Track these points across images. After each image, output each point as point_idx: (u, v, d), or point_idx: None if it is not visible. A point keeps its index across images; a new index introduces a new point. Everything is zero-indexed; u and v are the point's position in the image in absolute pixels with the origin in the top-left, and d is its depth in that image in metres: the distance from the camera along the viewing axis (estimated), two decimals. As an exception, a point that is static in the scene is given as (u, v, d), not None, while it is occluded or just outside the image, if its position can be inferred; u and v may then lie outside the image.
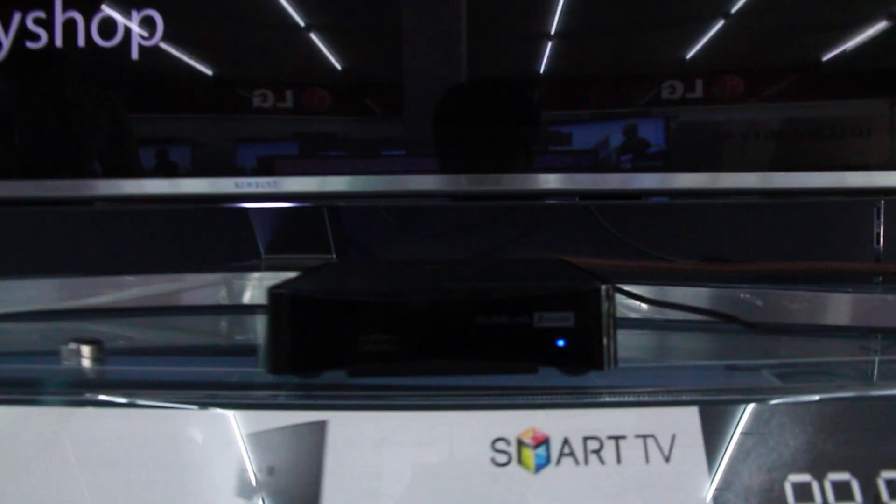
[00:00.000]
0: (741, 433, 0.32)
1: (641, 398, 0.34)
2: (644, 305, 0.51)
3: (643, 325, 0.54)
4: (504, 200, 0.68)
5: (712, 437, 0.31)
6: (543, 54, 0.60)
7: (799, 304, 0.54)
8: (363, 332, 0.34)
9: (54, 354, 0.44)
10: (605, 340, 0.34)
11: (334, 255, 0.78)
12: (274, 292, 0.34)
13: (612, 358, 0.34)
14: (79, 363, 0.44)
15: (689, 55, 0.59)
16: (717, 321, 0.47)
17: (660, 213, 0.81)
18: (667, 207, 0.79)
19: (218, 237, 0.83)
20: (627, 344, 0.45)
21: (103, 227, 0.85)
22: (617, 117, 0.61)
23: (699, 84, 0.60)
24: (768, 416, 0.32)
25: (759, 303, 0.53)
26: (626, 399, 0.34)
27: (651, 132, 0.59)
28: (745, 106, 0.60)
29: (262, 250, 0.78)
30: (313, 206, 0.72)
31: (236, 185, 0.63)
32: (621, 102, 0.61)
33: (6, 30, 0.63)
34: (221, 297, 0.66)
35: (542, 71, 0.60)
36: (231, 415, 0.33)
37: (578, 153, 0.60)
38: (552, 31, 0.60)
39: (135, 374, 0.44)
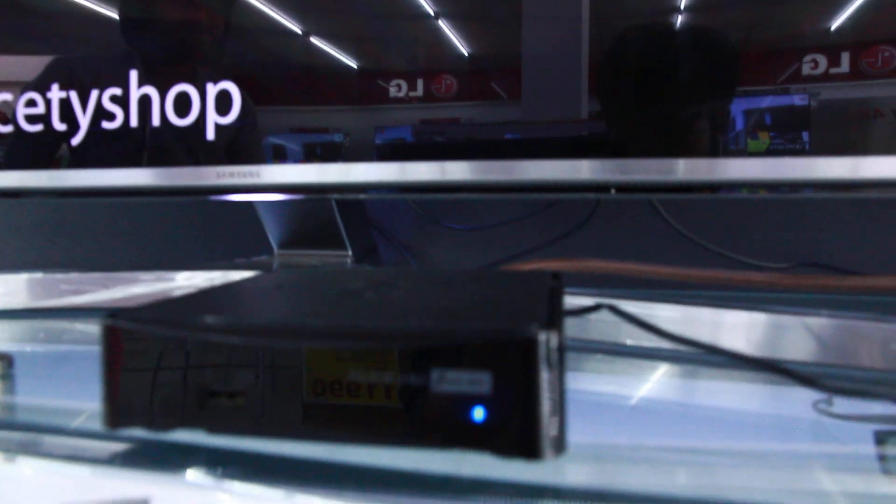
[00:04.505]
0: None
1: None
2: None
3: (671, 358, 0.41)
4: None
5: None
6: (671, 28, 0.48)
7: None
8: (209, 382, 0.25)
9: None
10: (541, 416, 0.22)
11: (349, 252, 0.70)
12: (106, 324, 0.26)
13: (554, 441, 0.23)
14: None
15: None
16: (746, 365, 0.34)
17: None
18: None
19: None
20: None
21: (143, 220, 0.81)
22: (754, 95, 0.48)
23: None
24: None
25: (837, 336, 0.39)
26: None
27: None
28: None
29: (273, 246, 0.72)
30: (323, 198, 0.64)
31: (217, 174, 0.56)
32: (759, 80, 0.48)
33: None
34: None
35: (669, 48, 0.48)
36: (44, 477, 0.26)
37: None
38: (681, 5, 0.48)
39: None
